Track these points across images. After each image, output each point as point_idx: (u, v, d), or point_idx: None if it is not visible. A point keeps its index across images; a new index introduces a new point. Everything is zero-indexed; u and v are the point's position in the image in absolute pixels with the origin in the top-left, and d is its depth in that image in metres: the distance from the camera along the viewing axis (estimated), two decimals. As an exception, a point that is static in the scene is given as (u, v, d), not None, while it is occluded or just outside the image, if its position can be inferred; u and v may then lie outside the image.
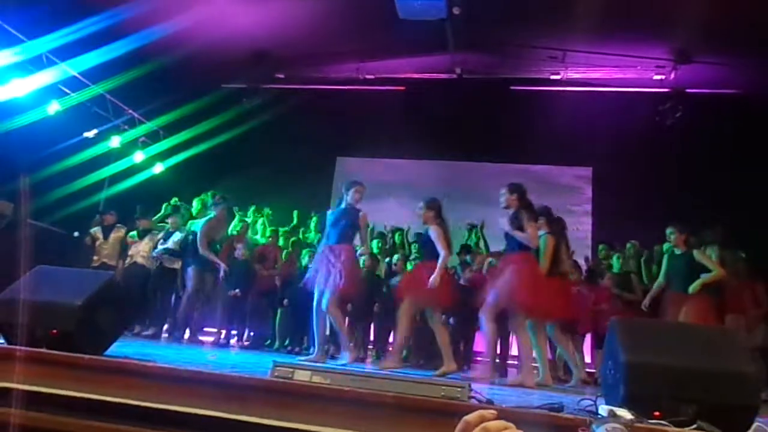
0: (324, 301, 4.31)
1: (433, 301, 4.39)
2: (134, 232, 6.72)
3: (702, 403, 2.01)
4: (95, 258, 6.74)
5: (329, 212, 4.69)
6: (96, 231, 6.89)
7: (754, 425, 2.07)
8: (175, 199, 7.12)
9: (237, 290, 6.29)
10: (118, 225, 6.91)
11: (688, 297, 4.65)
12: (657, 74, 7.66)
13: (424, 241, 4.62)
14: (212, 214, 6.16)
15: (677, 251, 4.87)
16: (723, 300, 5.40)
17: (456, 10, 6.16)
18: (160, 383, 2.03)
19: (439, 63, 8.30)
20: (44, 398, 2.00)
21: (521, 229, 4.11)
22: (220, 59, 7.68)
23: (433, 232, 4.37)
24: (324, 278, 4.33)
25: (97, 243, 6.80)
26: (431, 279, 4.19)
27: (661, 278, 5.04)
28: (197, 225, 6.14)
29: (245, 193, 8.05)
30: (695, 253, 4.78)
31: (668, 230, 4.89)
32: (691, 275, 4.72)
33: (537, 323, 4.42)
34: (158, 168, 9.34)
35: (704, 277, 4.66)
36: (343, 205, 4.55)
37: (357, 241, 4.71)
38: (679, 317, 4.55)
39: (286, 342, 6.53)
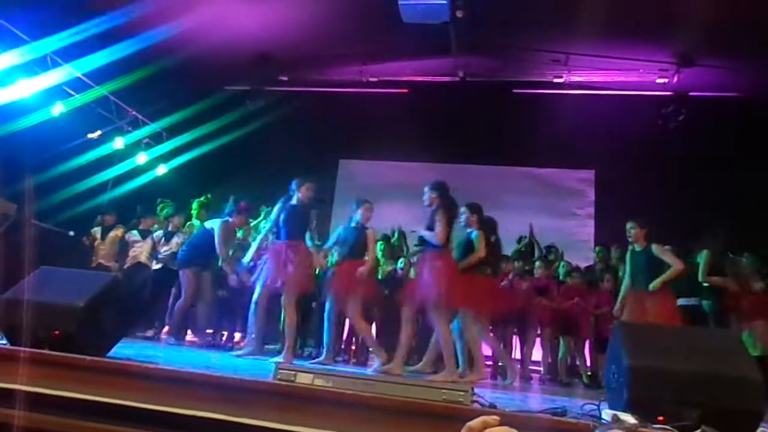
0: (283, 297, 4.46)
1: (357, 294, 4.57)
2: (135, 231, 6.65)
3: (706, 408, 2.00)
4: (93, 259, 6.71)
5: (278, 208, 4.74)
6: (95, 231, 6.86)
7: (759, 431, 2.07)
8: (167, 201, 7.05)
9: (224, 291, 6.26)
10: (118, 225, 6.88)
11: (650, 294, 4.54)
12: (660, 77, 7.65)
13: (354, 239, 4.71)
14: (228, 219, 5.91)
15: (637, 248, 4.72)
16: (728, 307, 5.39)
17: (459, 14, 6.15)
18: (162, 385, 2.02)
19: (443, 66, 8.30)
20: (46, 399, 2.00)
21: (431, 227, 4.22)
22: (224, 61, 7.70)
23: (370, 233, 4.70)
24: (275, 273, 4.44)
25: (96, 243, 6.77)
26: (360, 270, 4.47)
27: (626, 278, 4.88)
28: (215, 224, 5.87)
29: (248, 195, 8.05)
30: (653, 248, 4.62)
31: (628, 225, 4.73)
32: (651, 272, 4.59)
33: (465, 319, 4.48)
34: (161, 170, 9.36)
35: (666, 274, 4.54)
36: (294, 202, 4.66)
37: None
38: (644, 315, 4.45)
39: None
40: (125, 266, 6.59)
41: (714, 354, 2.22)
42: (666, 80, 7.62)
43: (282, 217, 4.59)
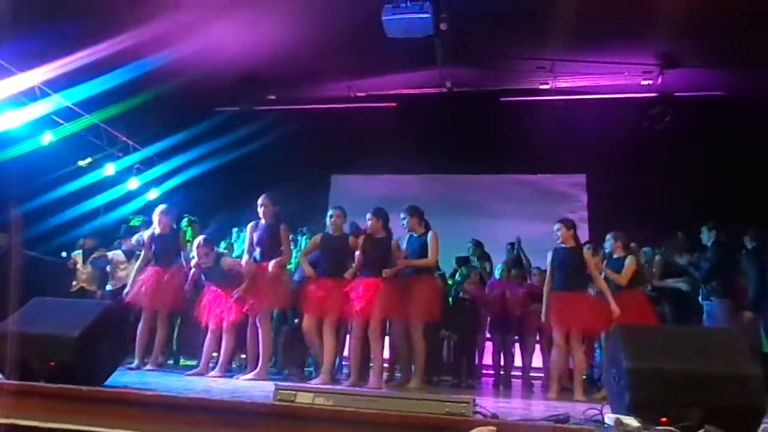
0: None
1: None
2: (119, 251, 6.40)
3: (708, 407, 2.00)
4: (74, 283, 6.54)
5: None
6: (76, 255, 6.68)
7: (762, 426, 2.07)
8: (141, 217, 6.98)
9: None
10: (99, 249, 6.67)
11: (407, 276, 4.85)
12: (644, 80, 7.73)
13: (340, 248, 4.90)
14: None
15: (414, 235, 4.99)
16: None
17: (443, 26, 6.20)
18: (162, 413, 2.00)
19: (429, 78, 8.37)
20: (44, 433, 1.97)
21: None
22: (213, 83, 7.72)
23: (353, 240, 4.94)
24: (151, 294, 4.95)
25: (77, 266, 6.60)
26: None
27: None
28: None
29: (240, 215, 8.03)
30: (429, 235, 4.90)
31: (402, 214, 5.00)
32: (417, 255, 4.88)
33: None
34: (153, 194, 9.34)
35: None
36: (159, 232, 5.14)
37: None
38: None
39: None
40: (111, 288, 6.26)
41: (713, 352, 2.22)
42: (650, 82, 7.70)
43: (155, 244, 5.12)
